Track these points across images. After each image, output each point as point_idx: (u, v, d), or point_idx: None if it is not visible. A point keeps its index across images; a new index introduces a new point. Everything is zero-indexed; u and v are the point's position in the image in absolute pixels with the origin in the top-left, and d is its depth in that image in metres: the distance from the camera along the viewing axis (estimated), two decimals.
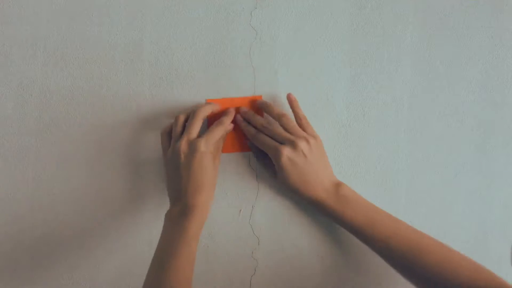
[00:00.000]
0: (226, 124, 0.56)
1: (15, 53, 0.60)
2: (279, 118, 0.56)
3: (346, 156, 0.60)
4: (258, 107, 0.58)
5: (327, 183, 0.55)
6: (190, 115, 0.56)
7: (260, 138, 0.55)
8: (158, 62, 0.60)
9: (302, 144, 0.53)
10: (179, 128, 0.56)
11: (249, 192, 0.60)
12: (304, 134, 0.55)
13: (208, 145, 0.53)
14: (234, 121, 0.58)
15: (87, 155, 0.60)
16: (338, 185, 0.55)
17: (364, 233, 0.53)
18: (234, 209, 0.60)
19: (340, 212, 0.54)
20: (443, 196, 0.61)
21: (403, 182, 0.60)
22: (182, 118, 0.57)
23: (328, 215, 0.55)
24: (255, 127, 0.57)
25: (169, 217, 0.53)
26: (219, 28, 0.60)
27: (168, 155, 0.55)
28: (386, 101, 0.60)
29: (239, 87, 0.60)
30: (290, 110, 0.58)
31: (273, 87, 0.60)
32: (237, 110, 0.59)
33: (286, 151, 0.53)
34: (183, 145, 0.53)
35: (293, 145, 0.53)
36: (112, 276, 0.60)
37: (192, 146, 0.53)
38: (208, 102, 0.59)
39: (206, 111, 0.56)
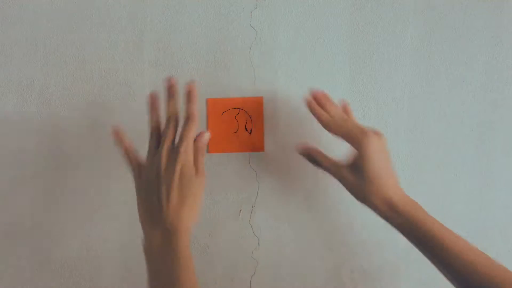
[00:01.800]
0: (196, 116, 0.48)
1: (15, 53, 0.60)
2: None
3: (346, 156, 0.60)
4: (318, 99, 0.54)
5: (398, 182, 0.51)
6: (165, 122, 0.49)
7: (339, 123, 0.51)
8: (158, 62, 0.60)
9: (383, 136, 0.51)
10: (154, 141, 0.49)
11: (249, 192, 0.60)
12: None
13: (189, 149, 0.47)
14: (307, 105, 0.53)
15: (87, 154, 0.60)
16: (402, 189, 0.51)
17: (435, 243, 0.47)
18: (234, 209, 0.60)
19: (412, 216, 0.49)
20: (443, 196, 0.61)
21: (403, 182, 0.60)
22: (158, 128, 0.50)
23: (397, 219, 0.49)
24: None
25: (151, 249, 0.46)
26: (219, 28, 0.60)
27: (147, 166, 0.48)
28: (386, 101, 0.60)
29: (239, 87, 0.60)
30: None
31: (273, 87, 0.60)
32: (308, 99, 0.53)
33: (375, 137, 0.49)
34: (165, 151, 0.47)
35: (377, 134, 0.50)
36: (113, 276, 0.60)
37: (173, 152, 0.47)
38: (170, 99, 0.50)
39: (176, 110, 0.49)
